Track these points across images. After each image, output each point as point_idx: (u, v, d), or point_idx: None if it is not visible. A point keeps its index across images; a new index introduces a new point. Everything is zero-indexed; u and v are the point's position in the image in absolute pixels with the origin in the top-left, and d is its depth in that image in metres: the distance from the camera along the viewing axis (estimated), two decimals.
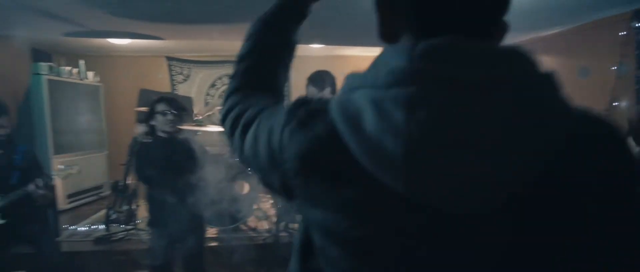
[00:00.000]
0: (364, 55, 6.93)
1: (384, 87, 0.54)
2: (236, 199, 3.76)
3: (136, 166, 2.91)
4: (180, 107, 2.88)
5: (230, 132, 0.86)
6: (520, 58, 0.55)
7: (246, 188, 4.29)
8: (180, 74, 6.94)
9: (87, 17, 2.73)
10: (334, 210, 0.63)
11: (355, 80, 0.61)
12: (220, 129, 4.49)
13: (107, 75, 6.43)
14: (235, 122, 0.84)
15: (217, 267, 3.79)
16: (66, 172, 3.00)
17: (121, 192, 4.20)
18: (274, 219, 4.66)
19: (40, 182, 2.80)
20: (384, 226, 0.60)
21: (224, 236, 4.03)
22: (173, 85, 6.90)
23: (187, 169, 2.73)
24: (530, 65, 0.55)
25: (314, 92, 2.68)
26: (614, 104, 3.41)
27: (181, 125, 2.86)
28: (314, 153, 0.63)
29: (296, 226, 4.54)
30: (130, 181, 4.30)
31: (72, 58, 6.35)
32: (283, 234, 4.33)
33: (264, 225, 4.65)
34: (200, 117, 5.08)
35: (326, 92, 2.69)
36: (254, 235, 4.39)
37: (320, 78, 2.69)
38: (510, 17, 0.60)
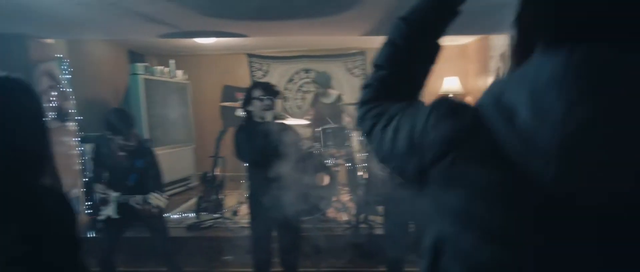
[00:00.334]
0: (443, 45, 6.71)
1: (543, 86, 0.60)
2: (317, 190, 3.82)
3: (236, 150, 2.99)
4: (276, 93, 2.92)
5: (369, 130, 0.90)
6: None
7: (326, 180, 4.36)
8: (260, 70, 7.19)
9: (180, 19, 2.92)
10: (475, 194, 0.66)
11: (509, 81, 0.67)
12: (301, 122, 4.53)
13: (194, 73, 6.84)
14: (376, 121, 0.88)
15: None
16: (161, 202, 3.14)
17: (210, 183, 4.45)
18: (353, 212, 4.70)
19: (139, 200, 3.00)
20: (523, 212, 0.64)
21: (304, 227, 4.12)
22: (253, 80, 7.16)
23: (281, 154, 2.78)
24: None
25: None
26: None
27: (276, 111, 2.92)
28: (459, 139, 0.69)
29: (376, 218, 4.54)
30: (218, 172, 4.54)
31: (162, 58, 6.84)
32: (363, 225, 4.35)
33: (343, 217, 4.70)
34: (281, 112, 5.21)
35: None
36: (334, 226, 4.45)
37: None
38: None
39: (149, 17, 2.80)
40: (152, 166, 3.24)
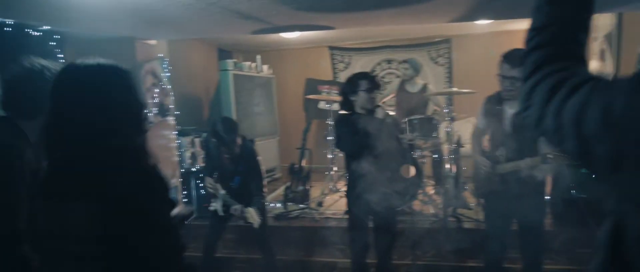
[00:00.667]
0: None
1: None
2: (403, 182, 3.75)
3: (337, 139, 3.02)
4: (379, 85, 2.90)
5: (545, 100, 0.80)
6: None
7: (412, 172, 4.27)
8: (342, 62, 7.22)
9: (272, 14, 3.00)
10: None
11: None
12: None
13: (278, 67, 7.04)
14: (554, 89, 0.79)
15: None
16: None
17: (297, 174, 4.57)
18: (440, 205, 4.57)
19: (238, 210, 3.17)
20: None
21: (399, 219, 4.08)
22: (335, 73, 7.23)
23: (384, 147, 2.76)
24: None
25: (508, 70, 2.48)
26: None
27: (378, 103, 2.88)
28: None
29: (464, 211, 4.37)
30: (304, 164, 4.64)
31: (248, 54, 7.13)
32: (451, 219, 4.21)
33: (429, 209, 4.59)
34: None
35: (517, 71, 2.46)
36: (420, 219, 4.35)
37: (515, 56, 2.47)
38: None
39: (244, 14, 2.92)
40: (254, 168, 3.39)
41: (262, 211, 3.33)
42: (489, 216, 2.92)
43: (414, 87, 5.11)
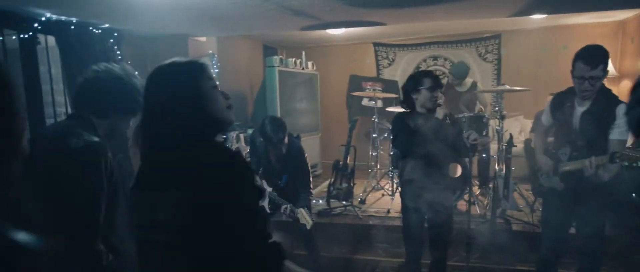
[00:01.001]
0: (593, 22, 5.95)
1: None
2: (452, 181, 3.68)
3: (394, 138, 2.97)
4: (442, 85, 2.83)
5: None
6: None
7: (459, 171, 4.18)
8: (386, 58, 7.15)
9: (325, 11, 3.01)
10: None
11: None
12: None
13: (322, 63, 7.06)
14: None
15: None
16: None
17: (341, 171, 4.57)
18: (487, 205, 4.45)
19: (288, 209, 3.19)
20: None
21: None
22: (379, 69, 7.16)
23: (442, 147, 2.71)
24: None
25: (584, 70, 2.37)
26: None
27: (441, 103, 2.80)
28: None
29: (513, 213, 4.23)
30: (349, 161, 4.63)
31: (292, 50, 7.18)
32: (499, 220, 4.09)
33: (476, 210, 4.48)
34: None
35: (598, 71, 2.35)
36: (466, 219, 4.24)
37: (593, 54, 2.36)
38: None
39: (296, 10, 2.94)
40: (302, 167, 3.40)
41: (309, 209, 3.34)
42: (546, 217, 2.82)
43: (462, 86, 4.99)
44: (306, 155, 3.53)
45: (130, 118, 1.69)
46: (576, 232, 2.67)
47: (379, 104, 5.50)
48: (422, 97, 2.76)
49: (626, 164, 2.26)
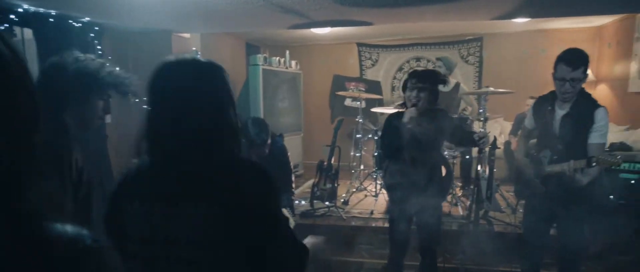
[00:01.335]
0: (571, 27, 6.08)
1: None
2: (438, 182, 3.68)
3: (382, 134, 2.98)
4: (433, 83, 2.74)
5: None
6: None
7: (443, 172, 4.20)
8: (369, 59, 7.15)
9: (314, 9, 2.97)
10: None
11: None
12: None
13: (306, 63, 7.01)
14: None
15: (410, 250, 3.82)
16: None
17: (326, 172, 4.53)
18: (470, 206, 4.48)
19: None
20: None
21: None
22: (362, 70, 7.16)
23: (424, 146, 2.70)
24: None
25: (566, 72, 2.40)
26: None
27: (430, 102, 2.74)
28: None
29: (496, 214, 4.28)
30: (333, 161, 4.60)
31: (275, 49, 7.12)
32: (482, 222, 4.13)
33: (458, 211, 4.51)
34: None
35: (579, 73, 2.38)
36: (449, 221, 4.28)
37: (574, 57, 2.39)
38: None
39: (286, 8, 2.89)
40: (284, 166, 3.36)
41: (291, 209, 3.30)
42: (528, 219, 2.86)
43: (446, 87, 5.01)
44: (289, 154, 3.49)
45: (93, 105, 1.59)
46: (557, 234, 2.71)
47: (363, 104, 5.49)
48: (406, 96, 2.76)
49: (606, 168, 2.31)
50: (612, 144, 4.27)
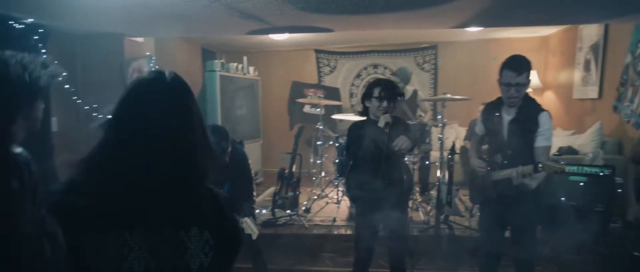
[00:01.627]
0: (520, 37, 6.36)
1: None
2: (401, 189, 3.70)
3: (346, 143, 3.00)
4: (396, 93, 2.81)
5: None
6: None
7: (405, 178, 4.23)
8: (327, 65, 7.15)
9: (275, 14, 2.90)
10: None
11: None
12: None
13: (263, 69, 6.91)
14: None
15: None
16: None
17: (287, 180, 4.45)
18: (431, 212, 4.55)
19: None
20: None
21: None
22: (320, 76, 7.15)
23: (390, 153, 2.71)
24: None
25: (511, 77, 2.47)
26: None
27: (394, 111, 2.81)
28: None
29: (456, 218, 4.36)
30: (294, 169, 4.53)
31: (232, 55, 6.97)
32: (443, 226, 4.19)
33: (419, 216, 4.56)
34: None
35: (523, 78, 2.46)
36: (411, 226, 4.31)
37: (518, 63, 2.47)
38: None
39: (245, 13, 2.81)
40: (245, 174, 3.26)
41: (253, 218, 3.20)
42: (483, 223, 2.92)
43: (403, 97, 5.09)
44: (250, 161, 3.40)
45: (32, 110, 1.41)
46: (511, 236, 2.78)
47: (322, 111, 5.47)
48: (372, 105, 2.80)
49: (553, 172, 2.40)
50: (560, 148, 4.47)
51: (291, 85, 6.89)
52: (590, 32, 4.94)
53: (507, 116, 2.59)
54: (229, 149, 3.13)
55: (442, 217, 4.22)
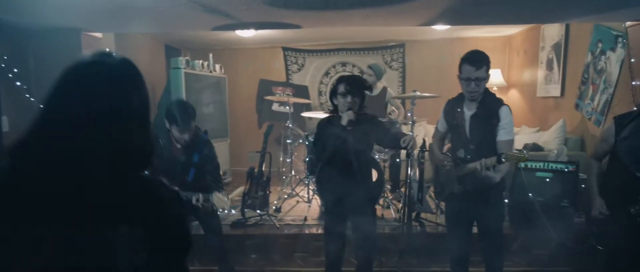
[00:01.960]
0: (485, 36, 6.48)
1: None
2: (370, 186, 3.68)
3: (315, 139, 2.99)
4: (361, 89, 2.81)
5: None
6: None
7: (374, 176, 4.22)
8: (295, 63, 7.07)
9: (241, 10, 2.81)
10: None
11: None
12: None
13: (230, 66, 6.75)
14: None
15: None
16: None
17: (257, 179, 4.35)
18: (402, 209, 4.56)
19: (201, 198, 2.91)
20: None
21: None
22: (288, 74, 7.06)
23: (358, 151, 2.71)
24: None
25: (470, 71, 2.49)
26: None
27: (360, 107, 2.81)
28: None
29: (427, 215, 4.39)
30: (264, 168, 4.44)
31: (197, 52, 6.78)
32: (414, 224, 4.20)
33: (390, 214, 4.57)
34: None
35: (482, 72, 2.48)
36: (382, 224, 4.31)
37: (477, 57, 2.49)
38: None
39: (210, 8, 2.69)
40: (210, 159, 3.17)
41: (224, 193, 3.10)
42: (449, 219, 2.94)
43: (374, 91, 5.07)
44: (214, 146, 3.31)
45: None
46: (478, 231, 2.81)
47: (291, 109, 5.39)
48: (339, 102, 2.79)
49: (516, 164, 2.43)
50: (526, 145, 4.57)
51: (259, 83, 6.77)
52: (552, 31, 5.08)
53: (469, 111, 2.62)
54: (193, 126, 3.06)
55: (413, 214, 4.23)
